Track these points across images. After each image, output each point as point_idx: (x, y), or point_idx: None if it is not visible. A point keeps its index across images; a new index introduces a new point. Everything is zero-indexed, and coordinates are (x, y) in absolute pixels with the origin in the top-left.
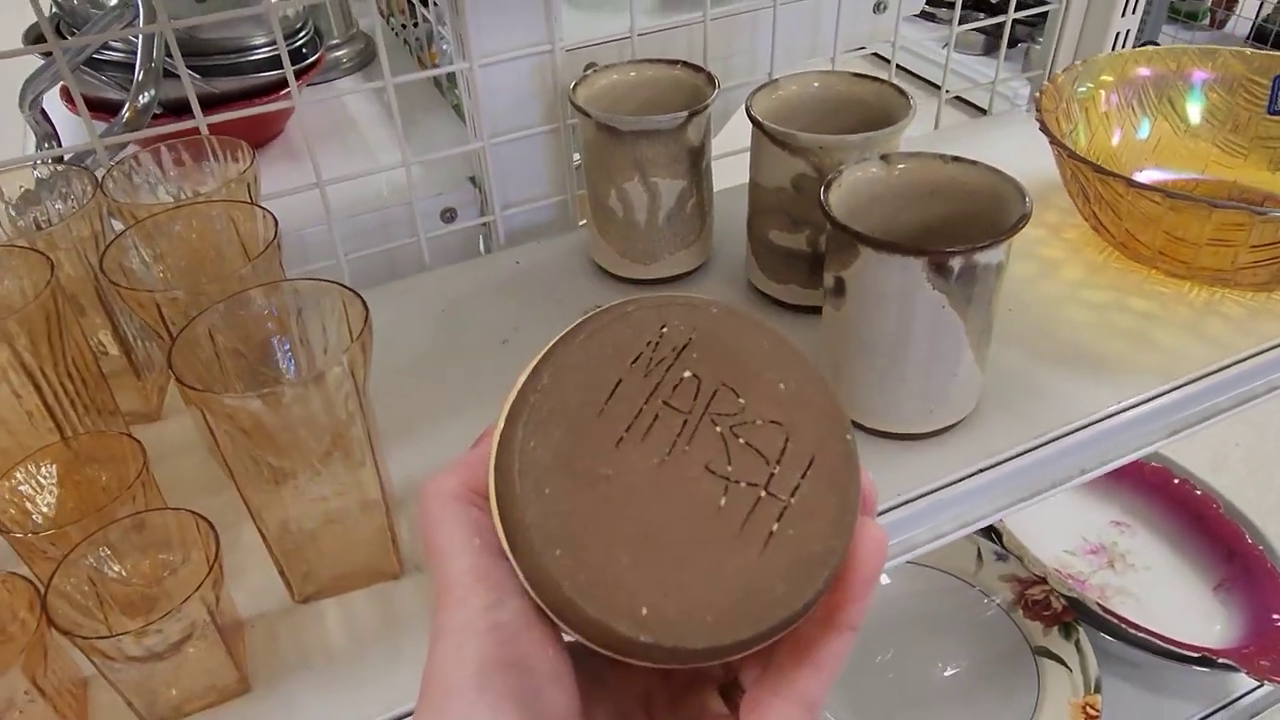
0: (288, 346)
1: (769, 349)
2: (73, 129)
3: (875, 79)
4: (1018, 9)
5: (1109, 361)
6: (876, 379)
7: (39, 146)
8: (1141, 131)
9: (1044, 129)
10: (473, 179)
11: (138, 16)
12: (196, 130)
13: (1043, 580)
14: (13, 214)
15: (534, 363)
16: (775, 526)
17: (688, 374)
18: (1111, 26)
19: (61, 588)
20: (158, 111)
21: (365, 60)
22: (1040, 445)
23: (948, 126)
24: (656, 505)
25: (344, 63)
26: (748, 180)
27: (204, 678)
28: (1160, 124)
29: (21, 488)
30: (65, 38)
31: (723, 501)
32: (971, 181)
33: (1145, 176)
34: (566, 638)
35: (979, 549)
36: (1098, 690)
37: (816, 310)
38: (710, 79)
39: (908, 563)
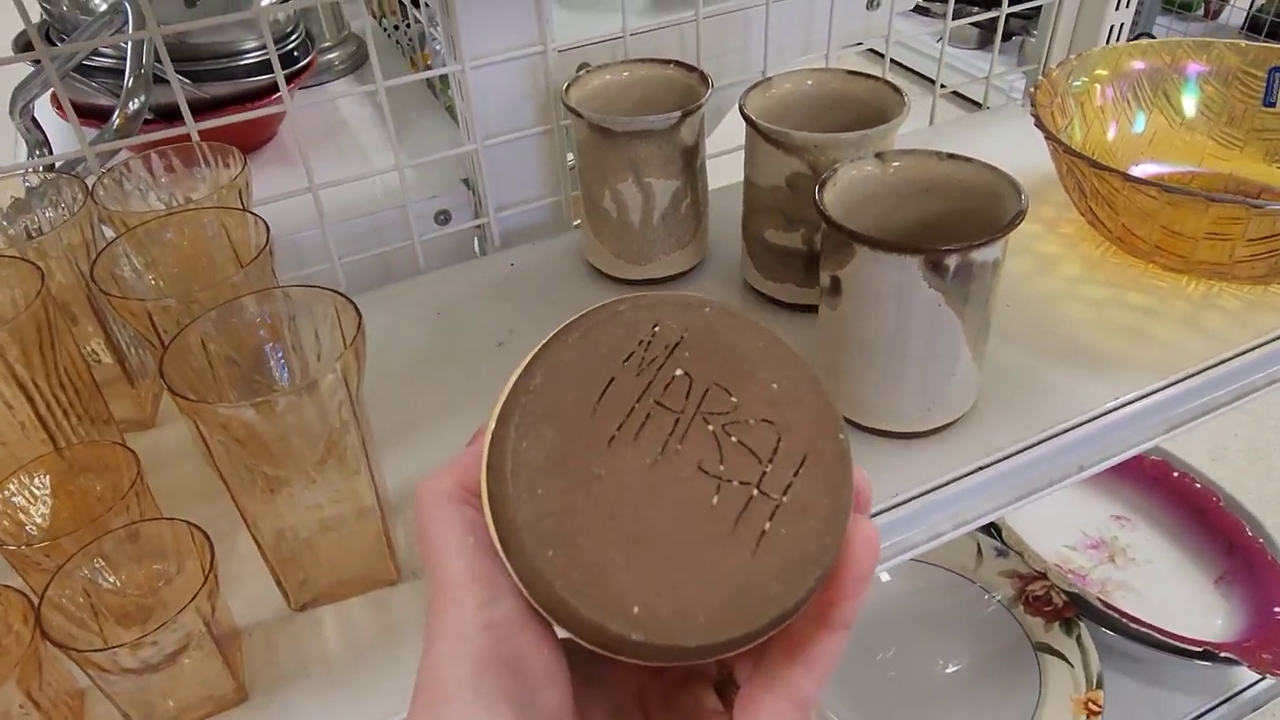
0: (281, 354)
1: (762, 348)
2: (64, 136)
3: (869, 76)
4: (1012, 2)
5: (1107, 357)
6: (874, 378)
7: (30, 154)
8: (1137, 125)
9: (1039, 124)
10: (466, 181)
11: (127, 22)
12: (188, 136)
13: (1043, 576)
14: (3, 223)
15: (525, 362)
16: (768, 525)
17: (680, 373)
18: (1106, 19)
19: (55, 600)
20: (148, 117)
21: (357, 63)
22: (1039, 442)
23: (943, 122)
24: (649, 504)
25: (336, 66)
26: (742, 179)
27: (201, 688)
28: (1156, 117)
29: (15, 499)
30: (55, 44)
31: (715, 500)
32: (967, 178)
33: (1141, 170)
34: (560, 634)
35: (979, 545)
36: (1099, 685)
37: (813, 309)
38: (703, 78)
39: (908, 559)
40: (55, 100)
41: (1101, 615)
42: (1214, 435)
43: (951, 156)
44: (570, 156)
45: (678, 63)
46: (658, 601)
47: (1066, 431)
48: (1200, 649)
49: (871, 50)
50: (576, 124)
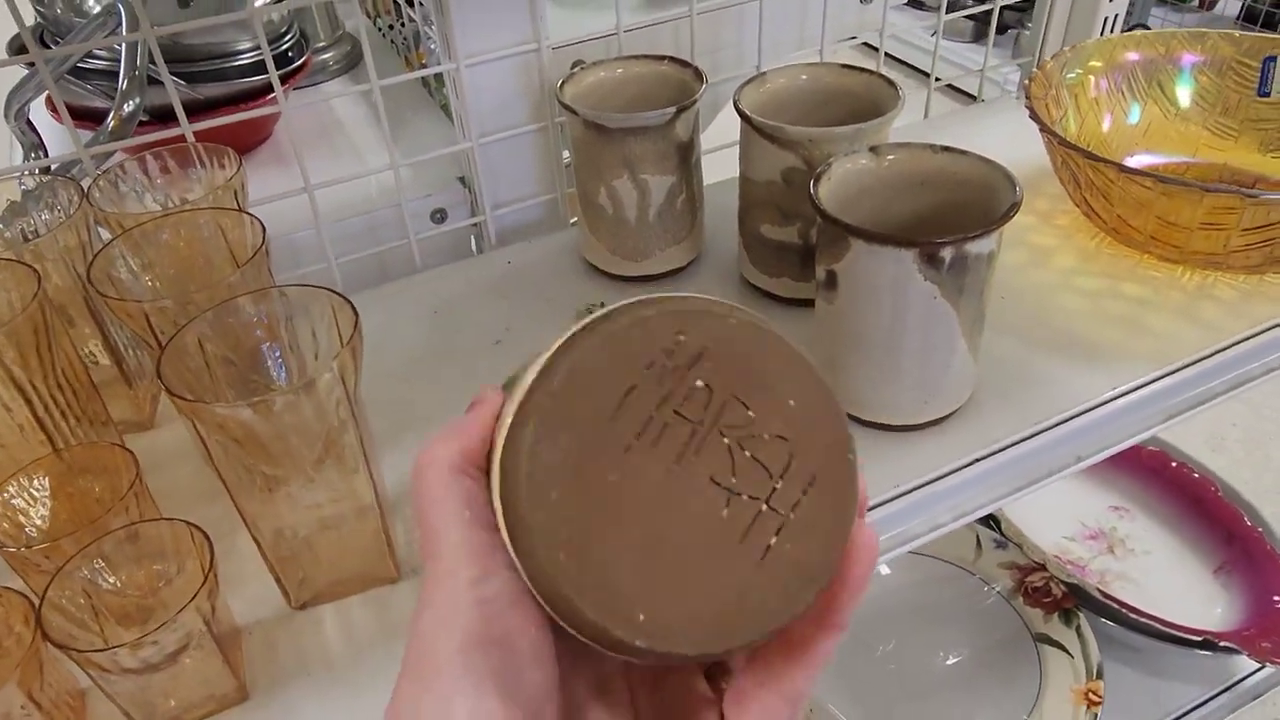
0: (278, 353)
1: (783, 363)
2: (59, 138)
3: (863, 70)
4: None
5: (1103, 348)
6: (870, 371)
7: (25, 157)
8: (1132, 116)
9: (1033, 116)
10: (462, 179)
11: (121, 24)
12: (183, 137)
13: (1042, 567)
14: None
15: (543, 361)
16: (773, 540)
17: (700, 383)
18: (1100, 10)
19: (56, 601)
20: (143, 119)
21: (352, 63)
22: (1036, 434)
23: (937, 115)
24: (661, 513)
25: (330, 65)
26: (738, 174)
27: (202, 687)
28: (1150, 108)
29: (14, 501)
30: (49, 47)
31: (725, 513)
32: (961, 171)
33: (1136, 161)
34: None
35: (978, 537)
36: (1099, 676)
37: (809, 303)
38: (698, 74)
39: (907, 552)
40: (50, 103)
41: (1101, 606)
42: (1211, 425)
43: (946, 149)
44: (565, 154)
45: (672, 59)
46: (662, 609)
47: (1064, 422)
48: (1200, 638)
49: (866, 44)
50: (571, 121)
